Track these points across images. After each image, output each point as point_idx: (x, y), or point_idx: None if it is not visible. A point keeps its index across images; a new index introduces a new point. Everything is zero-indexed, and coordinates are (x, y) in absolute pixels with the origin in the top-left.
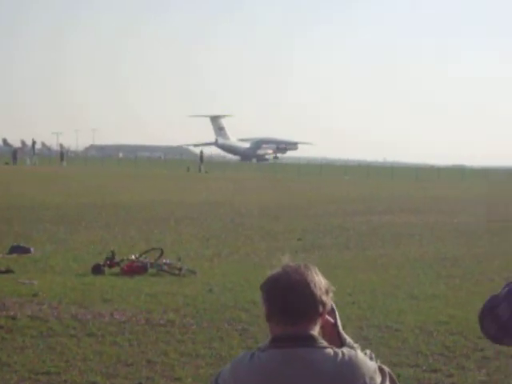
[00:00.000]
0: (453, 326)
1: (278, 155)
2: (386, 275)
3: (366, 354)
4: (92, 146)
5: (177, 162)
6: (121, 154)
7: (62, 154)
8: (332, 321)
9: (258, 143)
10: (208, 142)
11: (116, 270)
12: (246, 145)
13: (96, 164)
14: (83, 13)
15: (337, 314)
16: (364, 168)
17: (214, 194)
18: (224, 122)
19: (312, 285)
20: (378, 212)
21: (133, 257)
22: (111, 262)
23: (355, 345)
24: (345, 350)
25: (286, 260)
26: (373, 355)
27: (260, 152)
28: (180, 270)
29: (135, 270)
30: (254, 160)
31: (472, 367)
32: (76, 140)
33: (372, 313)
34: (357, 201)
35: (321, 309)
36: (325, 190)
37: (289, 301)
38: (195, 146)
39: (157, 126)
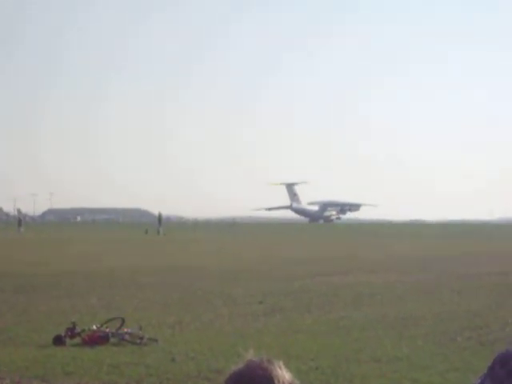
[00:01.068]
0: None
1: (341, 216)
2: (348, 338)
3: None
4: (50, 210)
5: (135, 225)
6: (79, 218)
7: (20, 220)
8: None
9: (325, 206)
10: (283, 205)
11: (77, 340)
12: (315, 208)
13: (53, 229)
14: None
15: None
16: (320, 226)
17: (173, 257)
18: (297, 188)
19: (275, 380)
20: (339, 272)
21: (94, 327)
22: (72, 332)
23: None
24: None
25: (250, 355)
26: None
27: (326, 214)
28: (141, 338)
29: (96, 340)
30: (321, 221)
31: None
32: (33, 204)
33: (336, 378)
34: (317, 261)
35: None
36: (284, 250)
37: None
38: (269, 209)
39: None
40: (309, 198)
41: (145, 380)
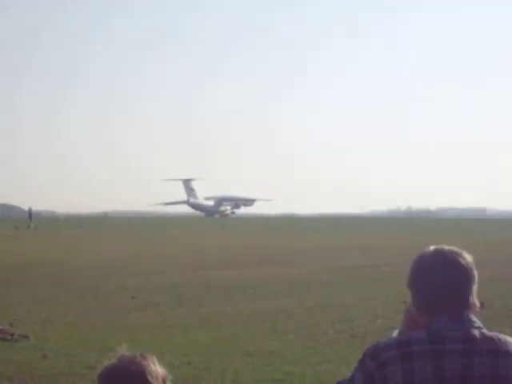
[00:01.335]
0: (288, 383)
1: (235, 210)
2: (220, 333)
3: None
4: None
5: (5, 220)
6: None
7: None
8: None
9: (220, 201)
10: (180, 200)
11: None
12: (211, 203)
13: None
14: None
15: None
16: (196, 219)
17: (44, 252)
18: (194, 184)
19: (148, 376)
20: (211, 267)
21: None
22: None
23: None
24: None
25: (123, 350)
26: None
27: (221, 209)
28: (12, 335)
29: None
30: (217, 215)
31: None
32: None
33: (208, 373)
34: (189, 255)
35: None
36: (156, 244)
37: None
38: (165, 204)
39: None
40: (206, 193)
41: (16, 377)
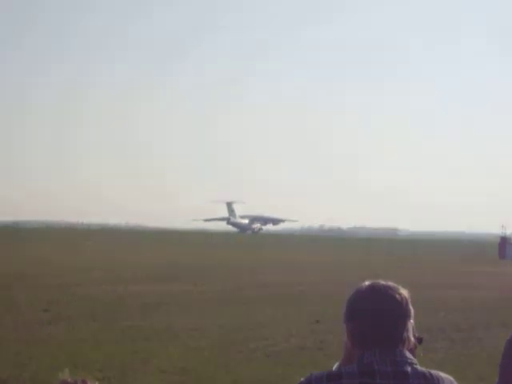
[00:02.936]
0: None
1: (263, 227)
2: (134, 348)
3: None
4: None
5: None
6: None
7: None
8: None
9: (253, 220)
10: (221, 217)
11: None
12: (246, 221)
13: None
14: None
15: None
16: (111, 231)
17: None
18: (235, 206)
19: None
20: (125, 281)
21: None
22: None
23: None
24: None
25: (65, 375)
26: None
27: (253, 226)
28: None
29: None
30: (249, 232)
31: None
32: None
33: None
34: (101, 269)
35: None
36: (69, 256)
37: None
38: (206, 220)
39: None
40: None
41: None
